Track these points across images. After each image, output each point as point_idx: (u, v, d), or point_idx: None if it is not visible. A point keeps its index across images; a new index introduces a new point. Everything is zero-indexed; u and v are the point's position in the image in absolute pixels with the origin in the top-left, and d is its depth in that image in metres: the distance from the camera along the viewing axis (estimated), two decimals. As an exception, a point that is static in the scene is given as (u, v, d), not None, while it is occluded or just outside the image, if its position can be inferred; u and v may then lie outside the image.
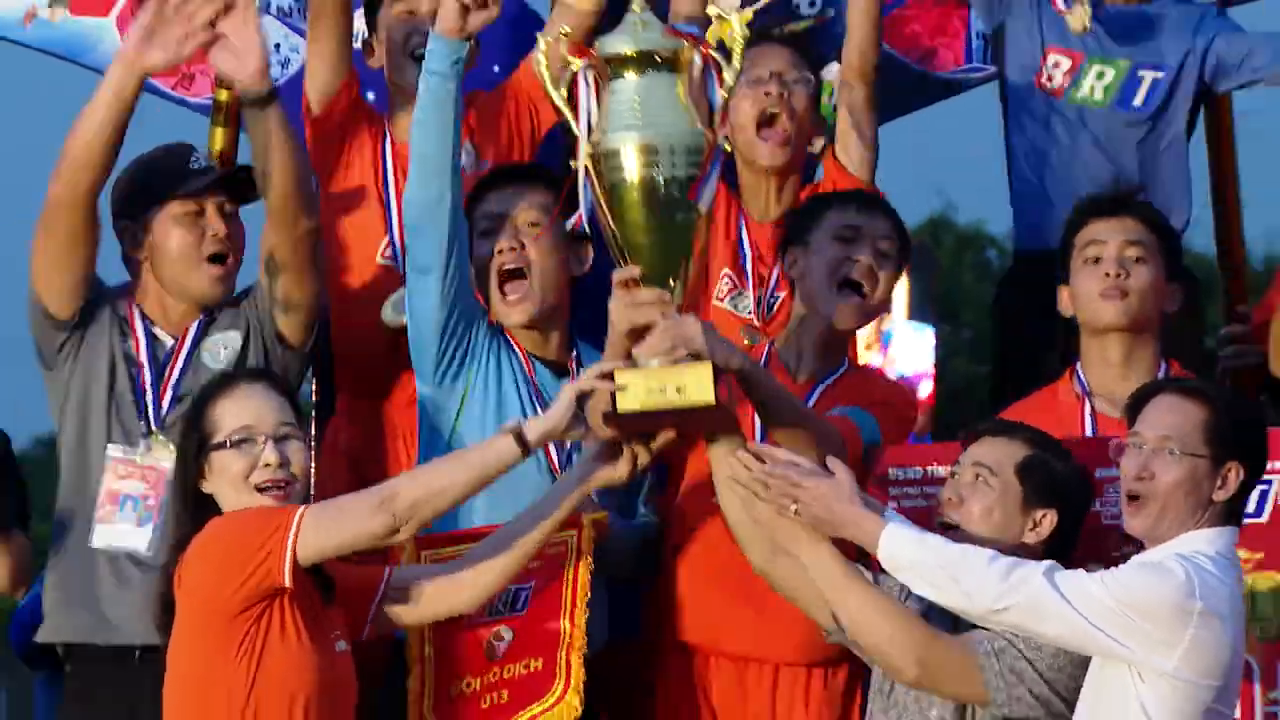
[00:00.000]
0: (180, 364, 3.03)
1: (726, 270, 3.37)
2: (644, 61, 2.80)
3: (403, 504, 2.75)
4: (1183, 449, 2.61)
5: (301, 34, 3.72)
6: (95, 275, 3.10)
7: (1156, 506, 2.63)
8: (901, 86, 3.70)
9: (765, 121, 3.36)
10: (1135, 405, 2.71)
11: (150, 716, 2.81)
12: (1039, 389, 3.23)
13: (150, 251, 3.01)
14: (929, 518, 2.99)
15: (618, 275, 2.82)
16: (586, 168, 2.79)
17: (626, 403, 2.79)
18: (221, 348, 3.09)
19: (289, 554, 2.66)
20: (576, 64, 2.81)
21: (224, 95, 3.67)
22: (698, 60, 2.77)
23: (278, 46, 3.72)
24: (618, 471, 2.82)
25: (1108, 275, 2.97)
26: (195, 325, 3.02)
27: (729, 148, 2.96)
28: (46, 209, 3.02)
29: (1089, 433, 3.10)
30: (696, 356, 2.76)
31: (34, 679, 3.64)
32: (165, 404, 3.01)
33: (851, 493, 2.77)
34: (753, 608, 3.15)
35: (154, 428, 2.98)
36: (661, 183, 2.77)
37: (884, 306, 3.35)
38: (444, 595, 2.92)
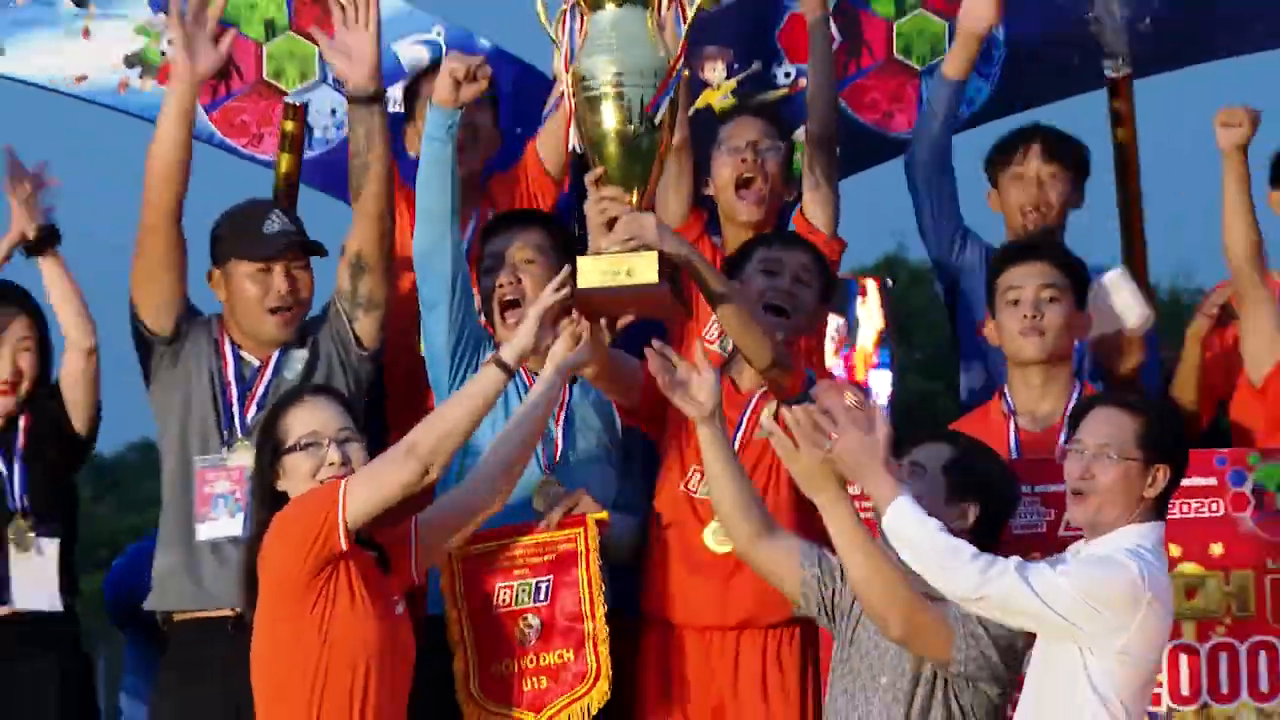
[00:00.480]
0: (265, 382, 3.52)
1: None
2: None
3: (424, 449, 3.09)
4: (1119, 453, 2.93)
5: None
6: (187, 298, 3.56)
7: (1097, 501, 2.94)
8: (862, 146, 4.21)
9: (743, 184, 3.81)
10: (1076, 417, 3.09)
11: (239, 677, 3.17)
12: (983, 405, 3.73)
13: (229, 296, 3.49)
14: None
15: (589, 176, 3.28)
16: (569, 86, 3.23)
17: (585, 281, 3.22)
18: (297, 364, 3.56)
19: (341, 520, 3.01)
20: (566, 2, 3.24)
21: (289, 125, 4.10)
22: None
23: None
24: (581, 354, 3.23)
25: (1026, 316, 3.46)
26: (276, 353, 3.50)
27: (686, 74, 3.43)
28: (139, 233, 3.50)
29: (1012, 445, 3.55)
30: (650, 248, 3.21)
31: (125, 642, 4.12)
32: (250, 415, 3.48)
33: (883, 453, 3.03)
34: (716, 582, 3.58)
35: (239, 435, 3.45)
36: (626, 98, 3.19)
37: (808, 326, 3.69)
38: (469, 504, 3.31)
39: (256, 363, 3.51)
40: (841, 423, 3.02)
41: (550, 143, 3.91)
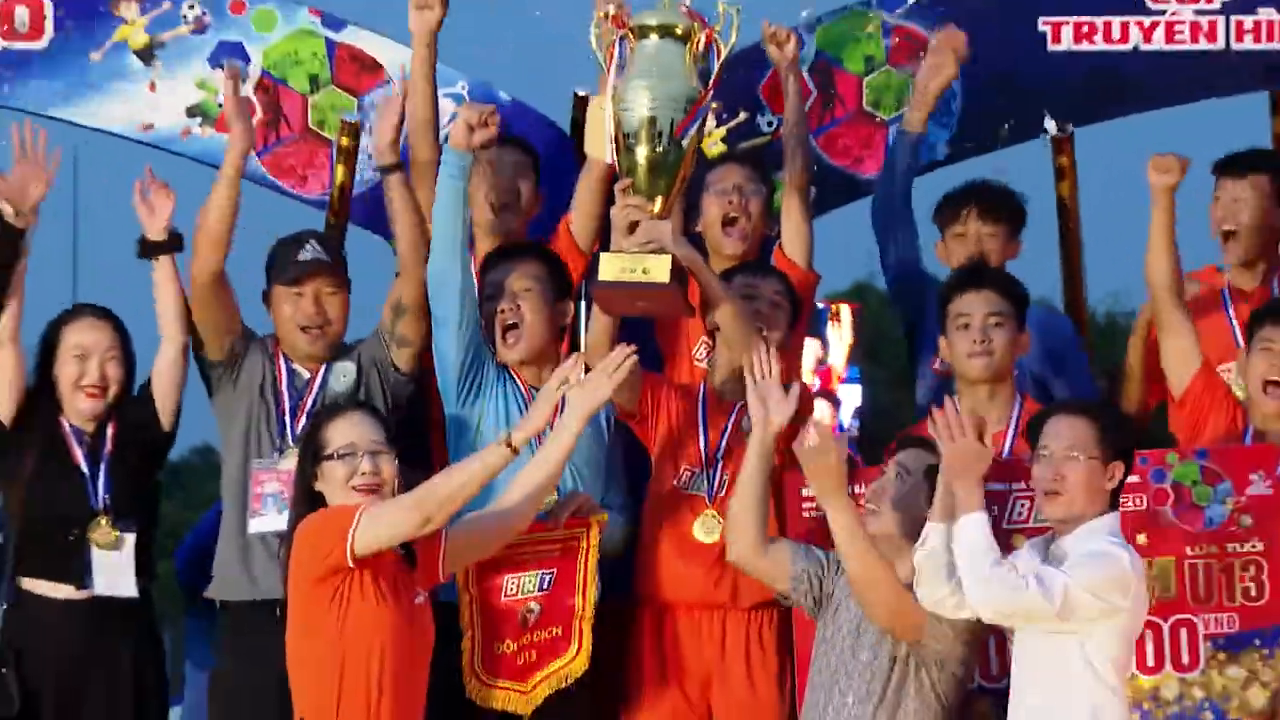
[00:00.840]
0: (313, 394, 3.90)
1: (703, 337, 4.12)
2: (661, 31, 3.66)
3: (429, 506, 3.37)
4: (1084, 454, 3.24)
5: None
6: (240, 325, 3.93)
7: (1069, 499, 3.24)
8: (836, 187, 4.59)
9: (728, 222, 4.14)
10: (1034, 427, 3.38)
11: (284, 659, 3.48)
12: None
13: (274, 316, 3.91)
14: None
15: (619, 184, 3.68)
16: (610, 103, 3.64)
17: (605, 274, 3.67)
18: (342, 375, 3.92)
19: (349, 544, 3.31)
20: (615, 33, 3.65)
21: (345, 140, 4.50)
22: (703, 38, 3.66)
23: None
24: (599, 404, 3.55)
25: (975, 341, 3.82)
26: (323, 366, 3.90)
27: (715, 106, 3.93)
28: (192, 277, 3.91)
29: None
30: (665, 252, 3.61)
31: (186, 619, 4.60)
32: (300, 424, 3.84)
33: (985, 466, 3.35)
34: (704, 568, 3.93)
35: (290, 442, 3.82)
36: (658, 122, 3.62)
37: (782, 343, 3.99)
38: (499, 530, 3.63)
39: (306, 375, 3.91)
40: (970, 431, 3.38)
41: (581, 220, 4.21)
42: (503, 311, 3.87)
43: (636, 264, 3.72)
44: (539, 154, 4.32)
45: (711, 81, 3.72)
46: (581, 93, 4.44)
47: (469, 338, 3.87)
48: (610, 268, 3.70)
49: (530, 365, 3.93)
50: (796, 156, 4.28)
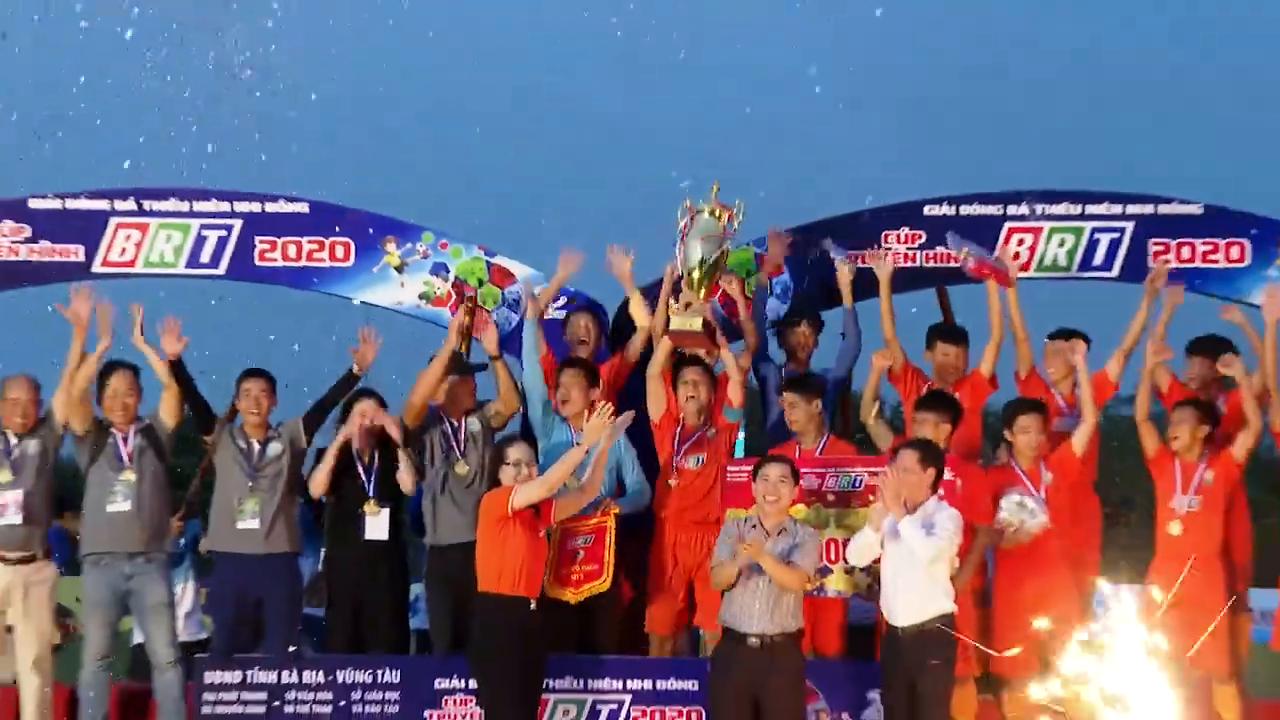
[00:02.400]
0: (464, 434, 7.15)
1: (684, 378, 7.29)
2: (707, 212, 6.99)
3: (546, 486, 6.25)
4: (921, 467, 6.23)
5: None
6: (428, 408, 7.09)
7: (913, 491, 6.21)
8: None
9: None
10: (894, 453, 6.48)
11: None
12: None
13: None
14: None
15: (683, 282, 7.06)
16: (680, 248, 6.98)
17: (674, 327, 6.93)
18: (477, 425, 7.17)
19: (510, 504, 6.18)
20: (685, 214, 6.94)
21: (464, 319, 7.34)
22: (727, 216, 7.02)
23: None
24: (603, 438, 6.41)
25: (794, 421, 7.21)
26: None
27: (728, 248, 7.06)
28: (408, 410, 7.11)
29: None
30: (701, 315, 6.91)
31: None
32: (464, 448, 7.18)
33: (924, 482, 6.29)
34: (688, 496, 7.07)
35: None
36: (703, 258, 6.98)
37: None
38: (578, 503, 6.52)
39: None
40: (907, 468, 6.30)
41: (635, 345, 7.43)
42: (565, 402, 7.15)
43: (689, 322, 7.23)
44: (603, 310, 7.68)
45: (729, 238, 7.19)
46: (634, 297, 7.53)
47: (542, 406, 7.15)
48: (678, 323, 7.21)
49: (575, 418, 7.08)
50: (749, 335, 7.49)
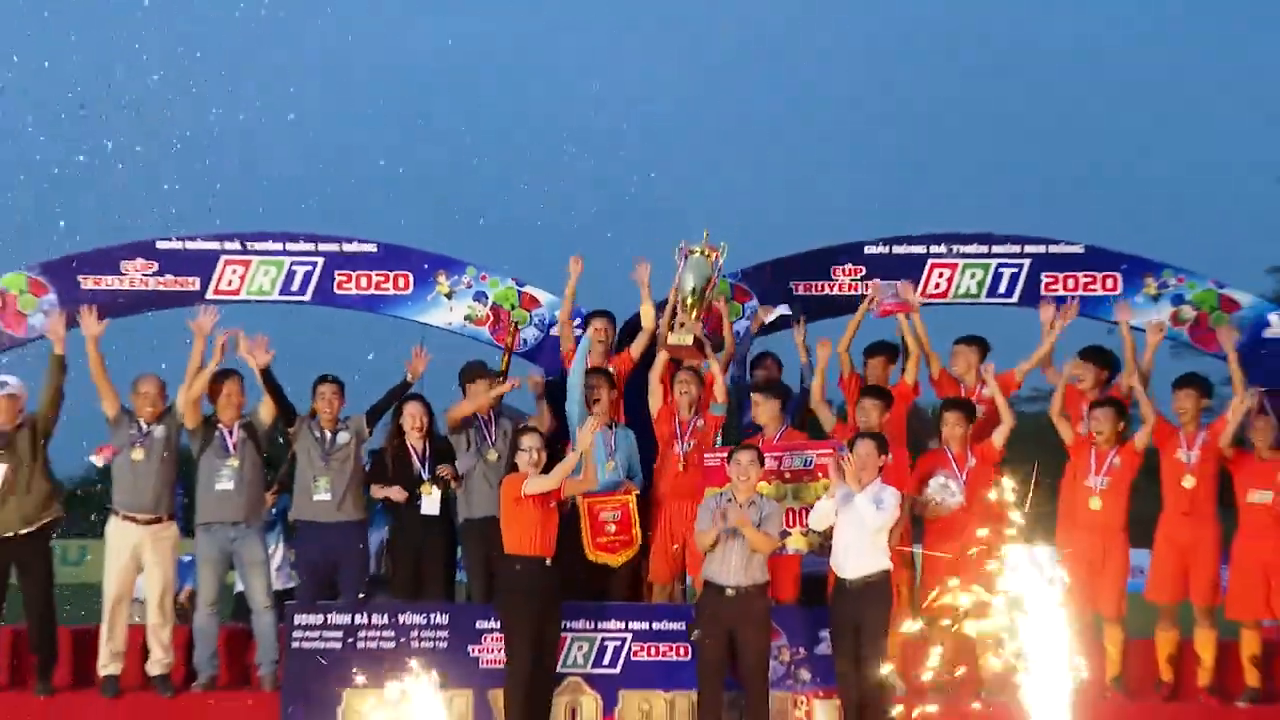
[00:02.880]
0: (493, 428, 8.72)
1: (679, 378, 8.60)
2: (698, 252, 8.28)
3: (559, 477, 7.35)
4: (877, 453, 7.49)
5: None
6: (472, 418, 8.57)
7: (868, 474, 7.46)
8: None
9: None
10: (851, 444, 7.70)
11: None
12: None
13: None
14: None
15: (679, 312, 8.33)
16: (678, 280, 8.25)
17: (671, 342, 8.24)
18: (507, 422, 8.69)
19: (523, 491, 7.32)
20: (681, 253, 8.25)
21: (510, 340, 8.71)
22: (715, 254, 8.39)
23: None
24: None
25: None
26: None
27: (715, 280, 8.36)
28: (450, 420, 8.55)
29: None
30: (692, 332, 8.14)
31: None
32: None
33: (872, 464, 7.46)
34: (682, 477, 8.30)
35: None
36: (695, 288, 8.26)
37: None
38: (584, 485, 7.69)
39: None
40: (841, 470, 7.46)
41: (641, 342, 8.57)
42: (591, 389, 8.36)
43: (683, 338, 8.35)
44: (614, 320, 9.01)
45: (717, 272, 8.52)
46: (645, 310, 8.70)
47: (580, 400, 8.23)
48: (674, 339, 8.34)
49: (603, 414, 8.28)
50: (729, 345, 8.81)
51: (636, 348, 8.62)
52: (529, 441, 7.68)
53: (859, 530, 7.45)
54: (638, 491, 8.22)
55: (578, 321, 8.88)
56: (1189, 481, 8.35)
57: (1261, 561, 8.17)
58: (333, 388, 8.56)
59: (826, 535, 7.69)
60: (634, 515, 8.19)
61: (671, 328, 8.50)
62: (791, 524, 8.11)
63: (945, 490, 8.15)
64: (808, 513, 7.98)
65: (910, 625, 7.00)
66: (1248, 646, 8.32)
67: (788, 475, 8.26)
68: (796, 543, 8.08)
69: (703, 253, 8.41)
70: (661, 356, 8.43)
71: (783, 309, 9.19)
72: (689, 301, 8.33)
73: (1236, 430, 8.31)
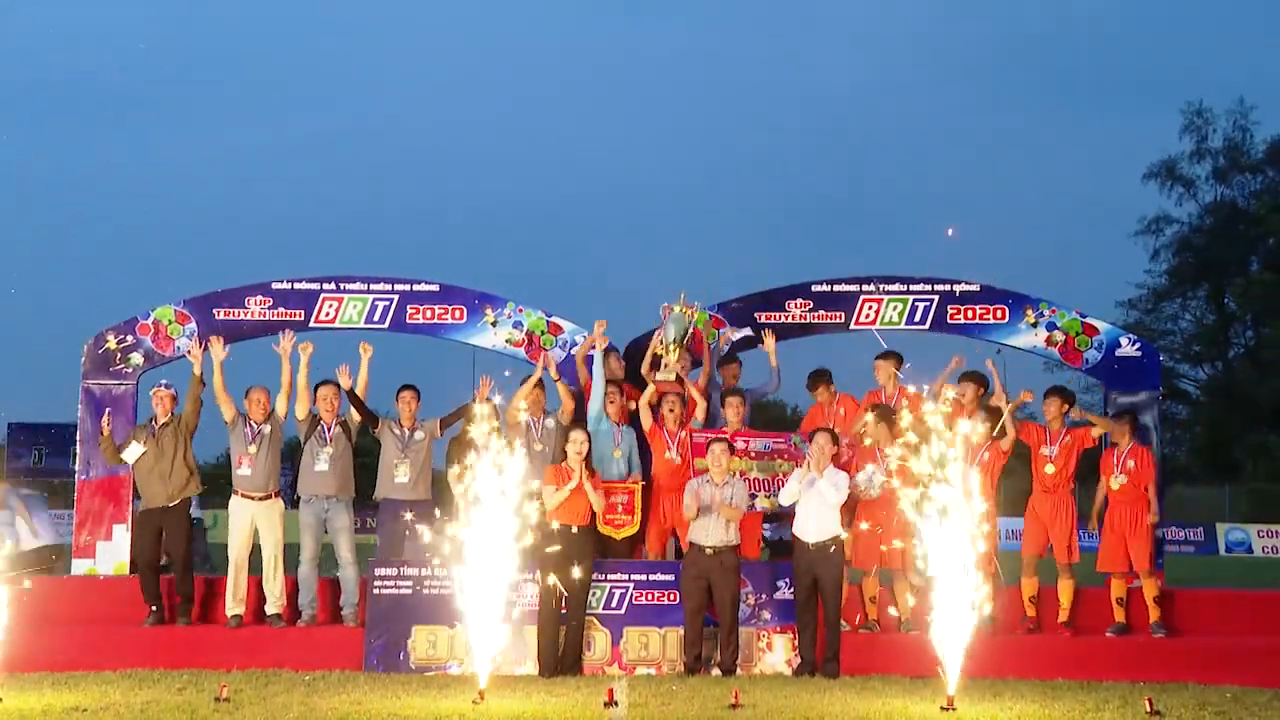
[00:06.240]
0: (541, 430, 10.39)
1: (665, 396, 10.28)
2: (679, 308, 10.08)
3: (560, 499, 8.89)
4: (834, 446, 9.07)
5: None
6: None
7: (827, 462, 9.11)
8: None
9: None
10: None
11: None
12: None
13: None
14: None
15: (662, 356, 10.00)
16: (660, 331, 10.01)
17: (659, 377, 9.88)
18: (551, 422, 10.27)
19: (546, 504, 8.85)
20: (665, 309, 10.11)
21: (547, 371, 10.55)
22: (691, 311, 10.10)
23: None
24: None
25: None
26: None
27: (705, 315, 10.35)
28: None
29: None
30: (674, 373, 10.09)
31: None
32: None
33: (828, 454, 8.73)
34: (676, 474, 9.64)
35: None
36: (675, 335, 10.00)
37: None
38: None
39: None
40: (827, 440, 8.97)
41: (643, 372, 10.40)
42: (611, 402, 10.06)
43: (667, 376, 10.00)
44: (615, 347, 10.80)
45: (694, 323, 10.28)
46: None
47: (599, 410, 10.05)
48: (660, 376, 9.91)
49: (615, 413, 9.95)
50: (706, 366, 10.56)
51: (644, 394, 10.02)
52: (577, 435, 8.97)
53: (819, 505, 8.67)
54: (643, 483, 9.55)
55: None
56: (1050, 469, 9.63)
57: (1120, 528, 9.65)
58: (410, 393, 9.89)
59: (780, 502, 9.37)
60: (638, 501, 9.46)
61: (655, 366, 9.90)
62: (755, 489, 9.56)
63: (870, 482, 9.44)
64: (770, 481, 9.53)
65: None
66: (1115, 591, 9.63)
67: (754, 454, 9.84)
68: (763, 503, 9.65)
69: (682, 310, 10.00)
70: (650, 388, 9.73)
71: (746, 331, 10.67)
72: (671, 347, 9.85)
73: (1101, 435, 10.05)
